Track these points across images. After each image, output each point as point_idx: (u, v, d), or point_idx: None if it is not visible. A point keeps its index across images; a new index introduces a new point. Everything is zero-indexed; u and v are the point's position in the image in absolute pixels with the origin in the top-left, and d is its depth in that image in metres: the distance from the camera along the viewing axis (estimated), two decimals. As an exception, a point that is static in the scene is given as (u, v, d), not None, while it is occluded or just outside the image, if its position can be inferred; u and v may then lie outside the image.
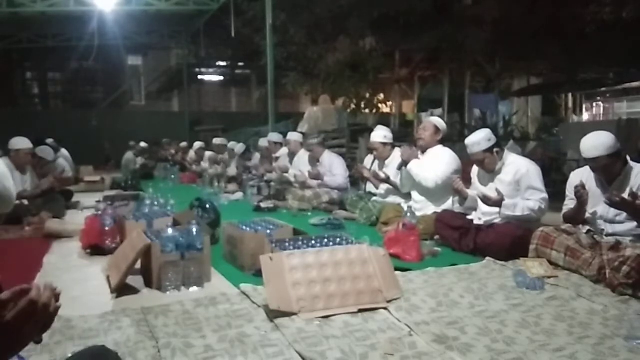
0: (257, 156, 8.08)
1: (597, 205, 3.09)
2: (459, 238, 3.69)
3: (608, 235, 3.06)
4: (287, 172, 6.53)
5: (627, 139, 7.21)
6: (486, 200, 3.49)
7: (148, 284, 2.88)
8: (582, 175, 3.19)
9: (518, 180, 3.50)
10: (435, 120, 4.62)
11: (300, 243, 2.87)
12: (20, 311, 0.99)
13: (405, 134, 9.06)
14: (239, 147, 8.61)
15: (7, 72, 19.95)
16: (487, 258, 3.32)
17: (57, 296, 1.06)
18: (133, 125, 16.03)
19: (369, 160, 5.34)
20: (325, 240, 2.90)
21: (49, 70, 22.49)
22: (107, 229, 3.70)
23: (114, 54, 18.53)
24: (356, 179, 6.13)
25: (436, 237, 3.92)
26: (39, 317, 1.02)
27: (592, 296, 2.62)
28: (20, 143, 5.27)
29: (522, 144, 9.55)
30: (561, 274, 2.97)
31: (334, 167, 5.91)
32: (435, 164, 4.26)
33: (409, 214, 3.63)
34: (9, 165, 4.75)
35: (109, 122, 16.98)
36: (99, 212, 3.93)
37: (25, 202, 5.14)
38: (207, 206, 4.10)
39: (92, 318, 2.35)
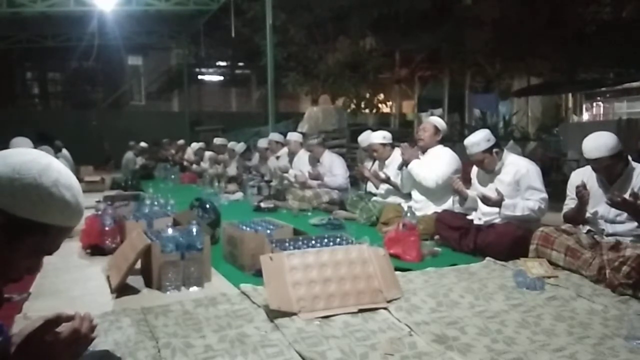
0: (257, 156, 8.09)
1: (598, 205, 3.09)
2: (459, 238, 3.69)
3: (608, 235, 3.06)
4: (287, 172, 6.53)
5: (627, 139, 7.21)
6: (486, 200, 3.49)
7: (148, 284, 2.87)
8: (583, 175, 3.19)
9: (518, 181, 3.50)
10: (435, 120, 4.62)
11: (300, 243, 2.86)
12: (64, 338, 1.03)
13: (405, 134, 9.06)
14: (239, 147, 8.60)
15: (7, 72, 19.92)
16: (487, 258, 3.32)
17: (93, 328, 1.10)
18: (133, 125, 16.00)
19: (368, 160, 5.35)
20: (325, 240, 2.89)
21: (49, 70, 22.44)
22: (107, 229, 3.69)
23: (114, 54, 18.51)
24: (356, 179, 6.13)
25: (436, 237, 3.92)
26: (79, 345, 1.07)
27: (592, 296, 2.61)
28: (21, 143, 5.26)
29: (522, 144, 9.57)
30: (561, 274, 2.97)
31: (334, 167, 5.91)
32: (435, 163, 4.25)
33: (409, 214, 3.62)
34: None
35: (109, 122, 16.95)
36: (99, 212, 3.92)
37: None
38: (207, 206, 4.09)
39: (92, 318, 2.35)
